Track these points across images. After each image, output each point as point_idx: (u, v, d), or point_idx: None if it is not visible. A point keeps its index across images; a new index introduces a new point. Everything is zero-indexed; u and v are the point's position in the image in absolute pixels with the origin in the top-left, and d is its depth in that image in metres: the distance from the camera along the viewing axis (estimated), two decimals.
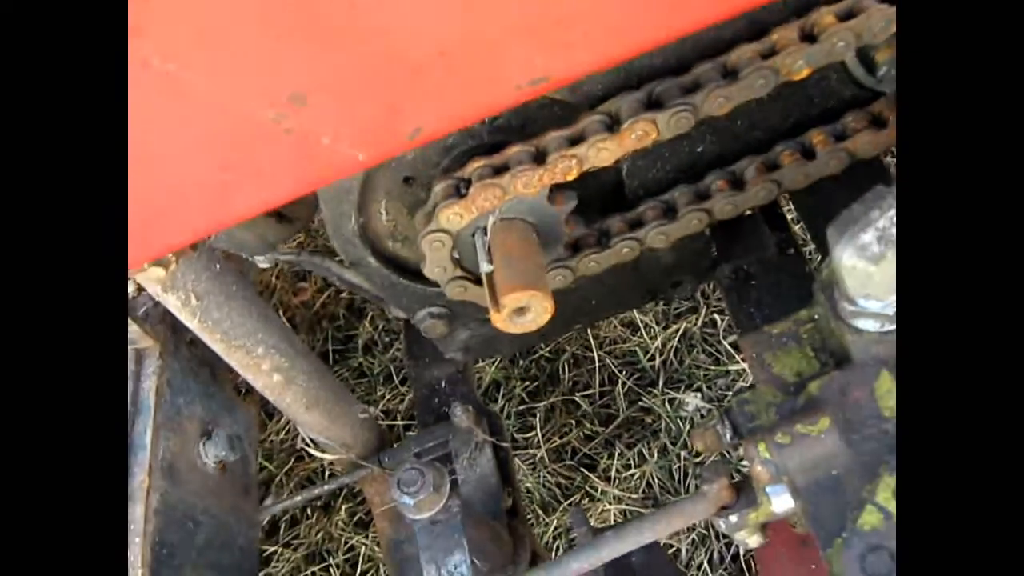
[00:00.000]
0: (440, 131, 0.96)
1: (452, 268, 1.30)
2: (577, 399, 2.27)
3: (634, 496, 2.08)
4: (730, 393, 2.03)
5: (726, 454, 1.86)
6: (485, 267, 1.22)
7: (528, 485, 2.18)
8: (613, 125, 1.17)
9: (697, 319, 2.30)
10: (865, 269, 0.90)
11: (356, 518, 2.37)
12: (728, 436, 1.13)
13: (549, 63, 0.89)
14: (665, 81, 1.18)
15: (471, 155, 1.24)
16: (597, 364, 2.29)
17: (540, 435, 2.22)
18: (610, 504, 2.08)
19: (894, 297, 0.95)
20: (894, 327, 0.97)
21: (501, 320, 1.20)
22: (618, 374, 2.25)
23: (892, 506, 0.90)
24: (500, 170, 1.19)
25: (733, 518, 1.07)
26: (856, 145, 1.28)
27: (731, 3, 0.98)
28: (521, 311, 1.19)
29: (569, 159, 1.17)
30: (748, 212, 1.43)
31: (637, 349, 2.30)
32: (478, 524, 1.44)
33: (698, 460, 2.02)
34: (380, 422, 2.33)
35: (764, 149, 1.32)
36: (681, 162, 1.34)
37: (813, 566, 1.20)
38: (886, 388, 0.98)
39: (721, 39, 1.18)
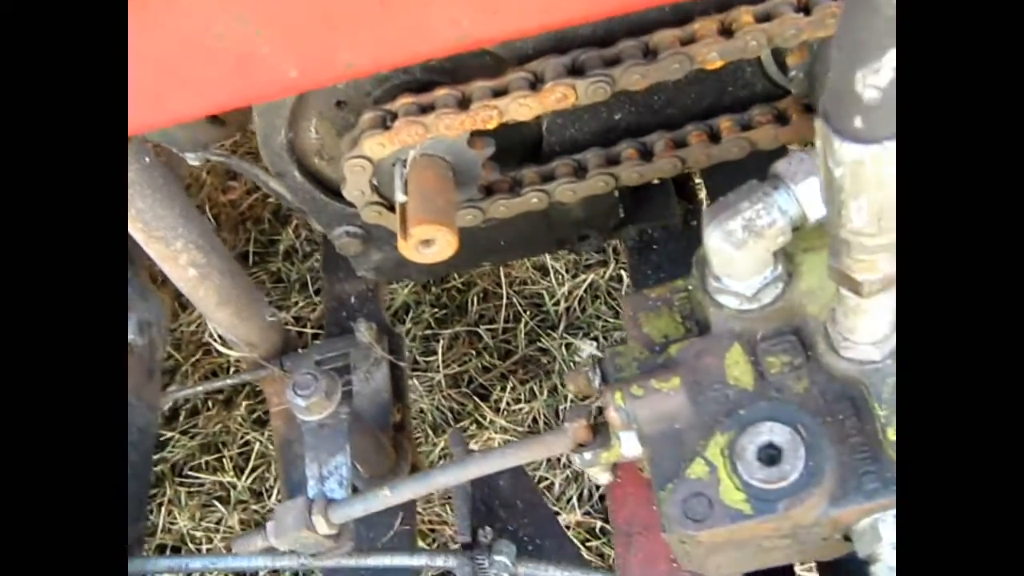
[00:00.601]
0: (371, 68, 1.04)
1: (370, 193, 1.38)
2: (480, 331, 2.37)
3: (519, 429, 2.21)
4: None
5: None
6: (400, 197, 1.30)
7: (423, 406, 2.29)
8: (536, 84, 1.26)
9: (605, 272, 2.42)
10: (729, 252, 1.01)
11: (255, 415, 2.46)
12: (597, 382, 1.24)
13: (474, 25, 0.97)
14: (590, 50, 1.26)
15: (402, 90, 1.31)
16: (505, 301, 2.40)
17: (441, 360, 2.33)
18: (496, 433, 2.20)
19: (753, 280, 1.06)
20: (751, 307, 1.09)
21: (408, 249, 1.29)
22: (522, 313, 2.36)
23: (718, 461, 1.02)
24: (426, 109, 1.27)
25: (587, 455, 1.19)
26: (759, 136, 1.39)
27: None
28: (427, 242, 1.29)
29: (491, 109, 1.25)
30: (657, 181, 1.53)
31: (544, 292, 2.41)
32: (363, 433, 1.55)
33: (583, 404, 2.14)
34: (289, 328, 2.41)
35: (676, 126, 1.42)
36: (598, 126, 1.44)
37: (654, 507, 1.32)
38: (734, 359, 1.09)
39: (648, 20, 1.26)
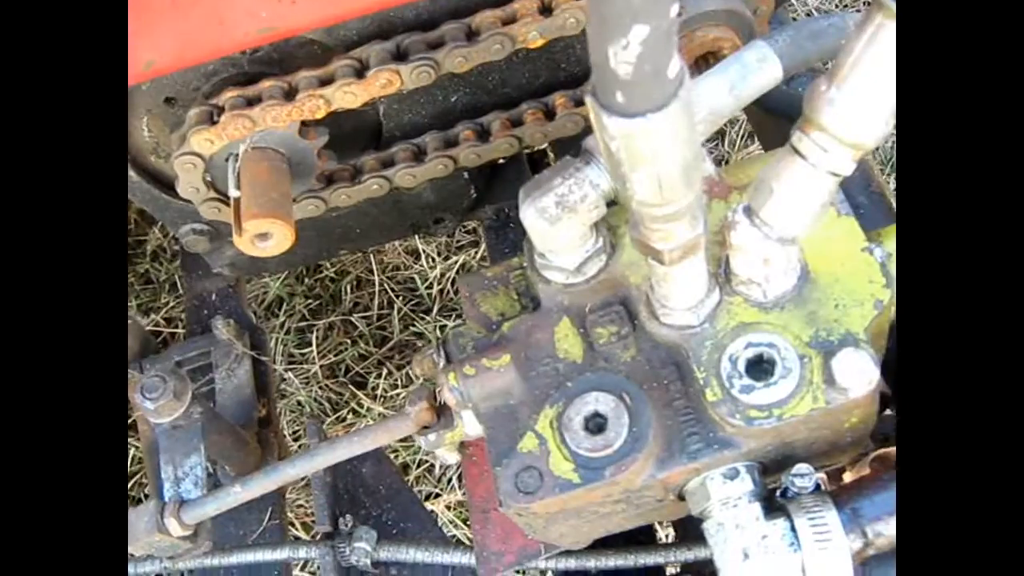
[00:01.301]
0: (172, 67, 1.03)
1: (205, 189, 1.36)
2: (354, 320, 2.37)
3: None
4: None
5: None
6: (233, 192, 1.29)
7: (300, 398, 2.27)
8: (362, 71, 1.26)
9: (477, 253, 2.43)
10: (545, 228, 1.02)
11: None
12: (441, 363, 1.25)
13: (275, 16, 0.96)
14: (414, 35, 1.27)
15: (229, 84, 1.29)
16: (378, 288, 2.39)
17: (316, 352, 2.32)
18: (374, 420, 2.20)
19: (574, 254, 1.08)
20: (577, 280, 1.11)
21: (244, 243, 1.28)
22: (395, 299, 2.36)
23: (548, 434, 1.04)
24: (252, 102, 1.26)
25: (432, 437, 1.20)
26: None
27: None
28: (263, 236, 1.28)
29: (317, 99, 1.25)
30: (501, 160, 1.55)
31: (416, 277, 2.41)
32: (222, 431, 1.53)
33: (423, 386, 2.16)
34: (160, 329, 2.37)
35: (512, 106, 1.43)
36: (435, 109, 1.44)
37: None
38: (564, 333, 1.11)
39: (472, 1, 1.27)
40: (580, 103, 1.41)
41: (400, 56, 1.26)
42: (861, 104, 0.83)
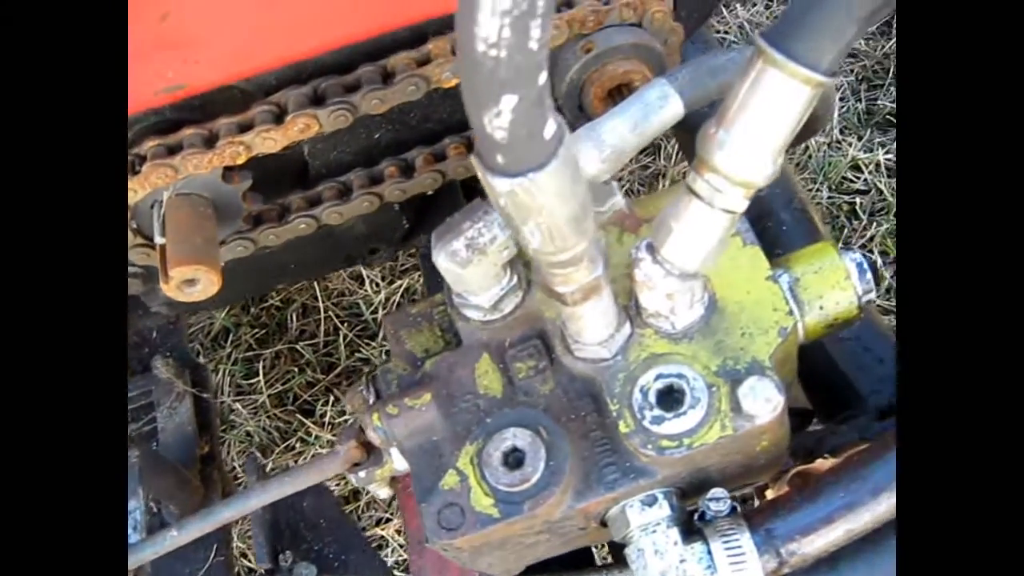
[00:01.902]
0: None
1: (133, 237, 1.37)
2: (301, 347, 2.38)
3: None
4: None
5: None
6: (158, 239, 1.30)
7: (249, 429, 2.28)
8: (281, 115, 1.27)
9: (419, 276, 2.45)
10: (457, 272, 1.05)
11: None
12: (371, 399, 1.27)
13: (180, 76, 0.98)
14: (331, 78, 1.29)
15: (152, 132, 1.31)
16: (323, 314, 2.41)
17: (263, 381, 2.33)
18: (323, 448, 2.21)
19: (489, 293, 1.11)
20: (494, 317, 1.14)
21: (171, 290, 1.29)
22: (340, 326, 2.38)
23: (468, 470, 1.06)
24: (174, 150, 1.27)
25: (363, 474, 1.22)
26: None
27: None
28: (190, 282, 1.29)
29: (237, 145, 1.26)
30: (429, 193, 1.57)
31: (361, 302, 2.43)
32: (163, 472, 1.54)
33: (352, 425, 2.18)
34: None
35: (434, 140, 1.46)
36: (359, 147, 1.46)
37: None
38: (484, 369, 1.14)
39: (384, 44, 1.30)
40: None
41: (318, 100, 1.28)
42: (748, 146, 0.86)
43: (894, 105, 2.59)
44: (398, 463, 1.20)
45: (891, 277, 2.20)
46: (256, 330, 2.44)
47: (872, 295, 1.15)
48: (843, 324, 1.15)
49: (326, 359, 2.38)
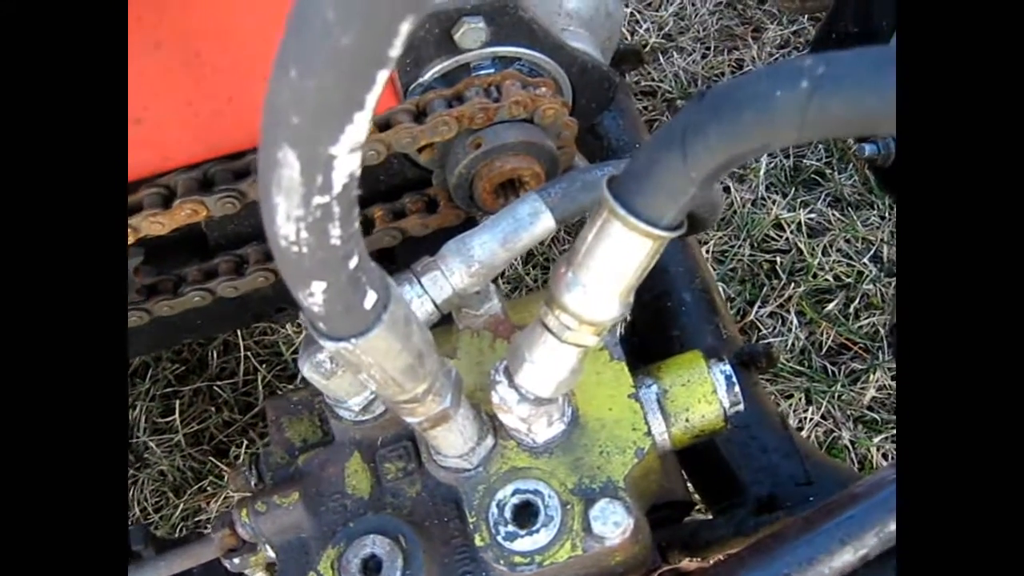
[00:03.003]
0: None
1: None
2: (217, 387, 2.38)
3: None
4: None
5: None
6: None
7: (163, 468, 2.28)
8: (169, 199, 1.28)
9: None
10: (321, 383, 1.06)
11: None
12: (253, 481, 1.28)
13: None
14: (222, 163, 1.29)
15: None
16: (243, 353, 2.41)
17: (179, 420, 2.32)
18: (233, 492, 2.22)
19: (356, 399, 1.13)
20: (366, 418, 1.15)
21: None
22: (259, 367, 2.38)
23: (329, 574, 1.08)
24: None
25: (236, 560, 1.23)
26: (409, 224, 1.45)
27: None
28: None
29: None
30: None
31: (281, 342, 2.43)
32: None
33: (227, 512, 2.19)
34: None
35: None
36: (258, 220, 1.46)
37: None
38: (354, 468, 1.15)
39: None
40: (398, 215, 1.45)
41: (206, 185, 1.28)
42: (594, 290, 0.88)
43: (820, 163, 2.63)
44: (271, 552, 1.21)
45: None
46: (176, 365, 2.43)
47: (740, 407, 1.18)
48: (709, 435, 1.18)
49: (244, 399, 2.37)
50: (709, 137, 0.74)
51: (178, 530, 2.21)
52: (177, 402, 2.35)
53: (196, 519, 2.22)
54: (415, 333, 0.80)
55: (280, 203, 0.59)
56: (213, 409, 2.35)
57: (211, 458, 2.26)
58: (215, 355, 2.43)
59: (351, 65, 0.51)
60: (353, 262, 0.67)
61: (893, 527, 1.01)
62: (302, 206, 0.59)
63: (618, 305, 0.90)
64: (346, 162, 0.58)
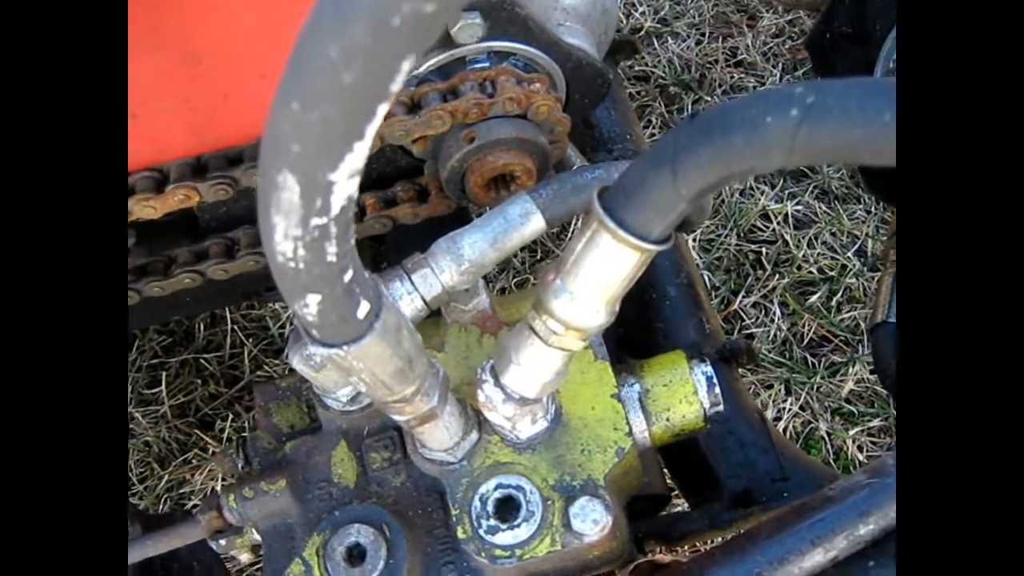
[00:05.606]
0: None
1: None
2: (204, 359, 2.39)
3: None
4: None
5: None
6: None
7: (149, 439, 2.30)
8: (162, 183, 1.29)
9: None
10: (311, 375, 1.08)
11: None
12: (240, 465, 1.30)
13: None
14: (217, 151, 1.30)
15: None
16: (230, 326, 2.42)
17: (166, 391, 2.34)
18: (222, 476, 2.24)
19: (344, 391, 1.15)
20: (353, 408, 1.17)
21: None
22: (245, 341, 2.39)
23: (314, 561, 1.10)
24: None
25: (223, 542, 1.26)
26: (401, 213, 1.46)
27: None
28: None
29: None
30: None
31: (268, 317, 2.45)
32: None
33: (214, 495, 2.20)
34: None
35: None
36: (251, 202, 1.48)
37: None
38: (340, 456, 1.18)
39: None
40: (389, 203, 1.46)
41: (200, 171, 1.29)
42: (581, 298, 0.90)
43: None
44: (257, 535, 1.23)
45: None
46: (164, 337, 2.45)
47: (720, 408, 1.20)
48: (690, 433, 1.20)
49: (231, 372, 2.39)
50: (700, 157, 0.76)
51: (162, 501, 2.23)
52: (163, 374, 2.37)
53: (180, 491, 2.24)
54: (405, 339, 0.82)
55: (279, 223, 0.61)
56: (199, 382, 2.37)
57: (196, 430, 2.28)
58: (202, 328, 2.45)
59: (353, 100, 0.53)
60: (348, 276, 0.69)
61: (863, 530, 1.05)
62: (300, 226, 0.61)
63: (604, 313, 0.92)
64: (345, 187, 0.59)
